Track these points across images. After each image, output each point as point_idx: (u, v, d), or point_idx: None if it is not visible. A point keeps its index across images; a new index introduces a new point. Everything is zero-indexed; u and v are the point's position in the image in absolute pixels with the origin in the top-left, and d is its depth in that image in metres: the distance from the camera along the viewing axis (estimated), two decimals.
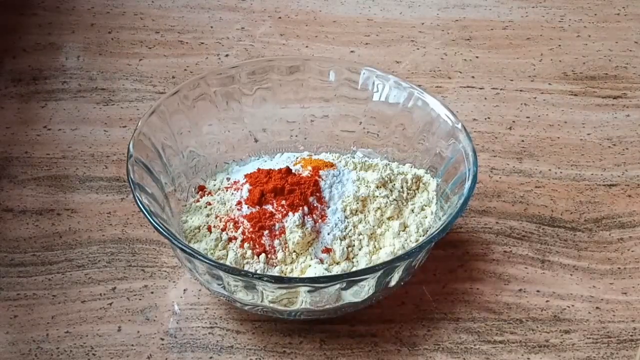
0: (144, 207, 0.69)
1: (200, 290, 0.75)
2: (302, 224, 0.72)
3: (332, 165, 0.77)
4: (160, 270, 0.76)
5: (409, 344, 0.72)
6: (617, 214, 0.82)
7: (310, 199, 0.73)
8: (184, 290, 0.75)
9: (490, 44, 1.00)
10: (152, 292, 0.75)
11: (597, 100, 0.93)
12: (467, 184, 0.72)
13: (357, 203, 0.74)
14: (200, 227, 0.74)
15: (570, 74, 0.96)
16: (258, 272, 0.70)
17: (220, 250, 0.72)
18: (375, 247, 0.73)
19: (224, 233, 0.72)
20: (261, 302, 0.69)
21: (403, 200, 0.76)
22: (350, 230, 0.73)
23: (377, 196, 0.74)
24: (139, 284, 0.75)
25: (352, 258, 0.72)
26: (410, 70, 0.96)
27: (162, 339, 0.72)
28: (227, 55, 0.97)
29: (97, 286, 0.75)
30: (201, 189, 0.78)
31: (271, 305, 0.69)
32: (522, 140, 0.89)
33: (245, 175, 0.76)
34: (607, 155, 0.88)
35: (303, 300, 0.69)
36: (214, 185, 0.78)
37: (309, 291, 0.68)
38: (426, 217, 0.75)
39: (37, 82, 0.93)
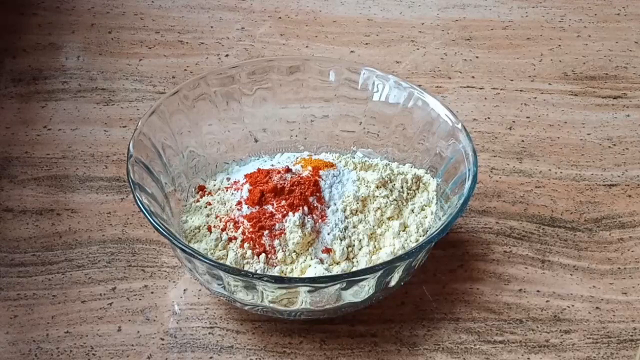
0: (144, 207, 0.69)
1: (200, 290, 0.75)
2: (302, 224, 0.71)
3: (332, 165, 0.77)
4: (160, 270, 0.76)
5: (409, 344, 0.72)
6: (617, 214, 0.82)
7: (310, 199, 0.73)
8: (184, 290, 0.75)
9: (490, 44, 1.00)
10: (152, 292, 0.75)
11: (597, 100, 0.93)
12: (467, 184, 0.72)
13: (357, 203, 0.74)
14: (200, 227, 0.74)
15: (570, 74, 0.96)
16: (258, 272, 0.70)
17: (220, 250, 0.72)
18: (375, 247, 0.73)
19: (224, 233, 0.72)
20: (261, 302, 0.69)
21: (403, 200, 0.76)
22: (350, 230, 0.73)
23: (377, 196, 0.74)
24: (139, 284, 0.75)
25: (352, 258, 0.72)
26: (410, 70, 0.96)
27: (162, 339, 0.72)
28: (227, 55, 0.97)
29: (97, 286, 0.75)
30: (201, 189, 0.78)
31: (271, 305, 0.69)
32: (522, 140, 0.89)
33: (245, 175, 0.76)
34: (607, 155, 0.87)
35: (303, 300, 0.69)
36: (214, 185, 0.78)
37: (309, 291, 0.68)
38: (426, 217, 0.75)
39: (37, 82, 0.93)
